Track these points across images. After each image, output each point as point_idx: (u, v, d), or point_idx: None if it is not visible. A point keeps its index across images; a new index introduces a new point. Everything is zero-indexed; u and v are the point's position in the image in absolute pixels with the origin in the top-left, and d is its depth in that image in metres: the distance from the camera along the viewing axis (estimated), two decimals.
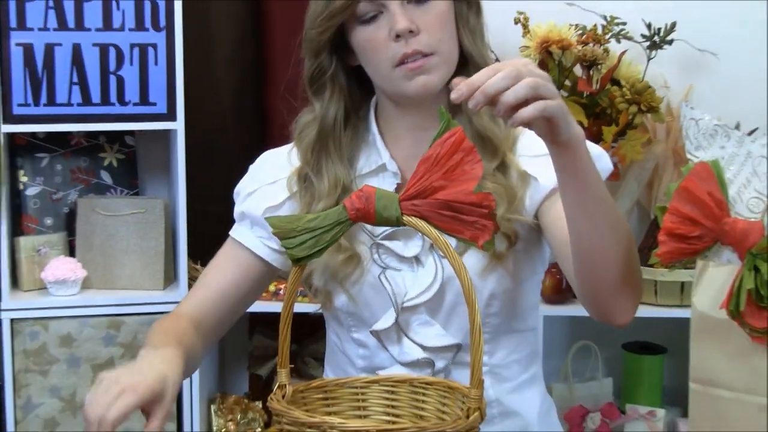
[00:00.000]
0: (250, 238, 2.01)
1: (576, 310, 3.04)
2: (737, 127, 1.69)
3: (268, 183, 2.01)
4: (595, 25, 3.10)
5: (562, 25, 3.08)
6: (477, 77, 1.53)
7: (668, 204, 1.61)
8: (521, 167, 1.93)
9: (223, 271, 2.02)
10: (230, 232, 2.03)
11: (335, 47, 1.97)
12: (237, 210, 2.03)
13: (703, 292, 1.64)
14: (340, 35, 1.96)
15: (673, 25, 3.10)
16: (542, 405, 2.10)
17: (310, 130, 2.01)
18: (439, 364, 1.96)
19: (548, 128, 1.57)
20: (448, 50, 1.92)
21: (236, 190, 2.09)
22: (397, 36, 1.88)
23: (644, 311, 3.04)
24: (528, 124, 1.56)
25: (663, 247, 1.63)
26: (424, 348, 1.96)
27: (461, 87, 1.54)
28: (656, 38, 3.11)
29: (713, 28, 3.20)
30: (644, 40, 3.12)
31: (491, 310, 1.96)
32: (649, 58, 3.13)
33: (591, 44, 3.06)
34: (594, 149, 1.83)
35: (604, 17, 3.11)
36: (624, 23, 3.10)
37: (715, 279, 1.63)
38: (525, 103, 1.53)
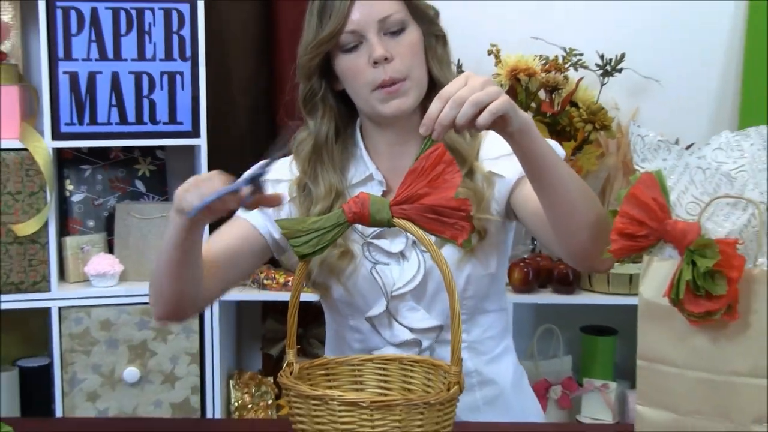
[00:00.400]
0: (258, 219, 1.99)
1: (540, 298, 3.06)
2: (677, 142, 1.70)
3: (273, 181, 2.00)
4: (556, 56, 3.11)
5: (529, 56, 3.09)
6: (432, 110, 1.58)
7: (619, 208, 1.63)
8: (485, 170, 1.96)
9: (227, 239, 1.98)
10: (237, 213, 1.99)
11: (323, 73, 1.99)
12: None
13: (649, 282, 1.65)
14: (327, 62, 1.97)
15: (622, 56, 3.12)
16: (515, 373, 2.13)
17: (305, 145, 2.02)
18: (425, 343, 1.98)
19: (502, 123, 1.61)
20: (418, 76, 1.94)
21: None
22: (375, 62, 1.90)
23: (598, 299, 3.06)
24: (495, 123, 1.60)
25: (614, 245, 1.64)
26: (411, 330, 1.98)
27: (424, 122, 1.59)
28: (608, 67, 3.13)
29: (656, 58, 3.21)
30: (598, 68, 3.13)
31: (467, 294, 1.99)
32: (602, 84, 3.15)
33: (553, 72, 3.07)
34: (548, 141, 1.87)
35: (564, 49, 3.12)
36: (581, 54, 3.11)
37: (658, 272, 1.64)
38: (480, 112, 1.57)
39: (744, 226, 1.61)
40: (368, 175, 1.99)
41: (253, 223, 1.98)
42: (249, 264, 2.02)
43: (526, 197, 1.90)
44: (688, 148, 1.70)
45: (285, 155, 1.70)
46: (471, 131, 1.67)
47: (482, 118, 1.58)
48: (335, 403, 1.51)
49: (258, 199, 1.65)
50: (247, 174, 1.67)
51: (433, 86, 1.95)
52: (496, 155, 1.97)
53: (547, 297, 3.07)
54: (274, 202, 1.70)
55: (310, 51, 1.96)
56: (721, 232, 1.60)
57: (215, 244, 1.99)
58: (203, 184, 1.65)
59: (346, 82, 1.96)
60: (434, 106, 1.60)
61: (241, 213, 2.00)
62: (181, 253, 1.76)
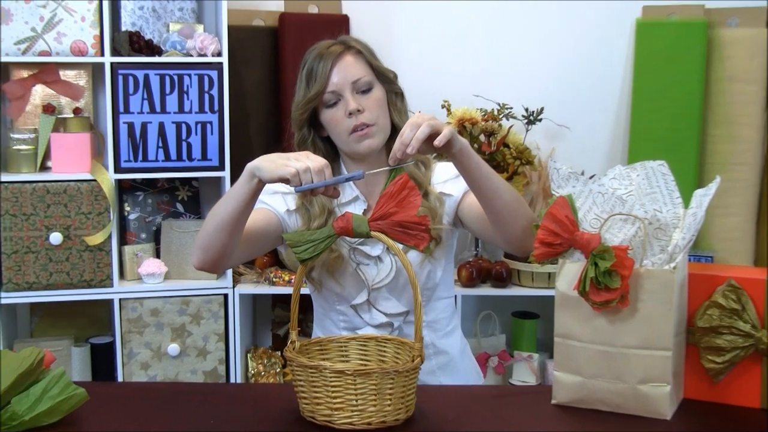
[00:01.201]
0: (279, 208, 1.98)
1: (481, 291, 3.06)
2: (583, 173, 1.69)
3: (284, 192, 2.00)
4: (492, 109, 3.11)
5: (472, 109, 3.09)
6: (399, 139, 1.68)
7: (540, 223, 1.62)
8: (437, 192, 1.99)
9: (256, 219, 1.93)
10: (260, 198, 1.88)
11: (312, 123, 2.01)
12: (265, 191, 1.90)
13: (563, 279, 1.65)
14: (314, 115, 1.99)
15: (542, 109, 3.13)
16: (461, 345, 2.16)
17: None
18: (396, 323, 2.00)
19: (448, 145, 1.70)
20: (383, 123, 1.98)
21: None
22: (350, 114, 1.93)
23: (525, 291, 3.06)
24: (443, 146, 1.69)
25: (537, 251, 1.64)
26: (386, 315, 1.99)
27: (395, 150, 1.69)
28: (531, 117, 3.13)
29: (566, 110, 3.22)
30: (524, 118, 3.14)
31: (427, 286, 2.01)
32: (527, 130, 3.15)
33: (490, 121, 3.07)
34: None
35: (498, 104, 3.12)
36: (511, 107, 3.11)
37: (570, 271, 1.64)
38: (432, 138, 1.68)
39: (632, 236, 1.61)
40: (355, 196, 2.00)
41: (274, 211, 1.98)
42: (268, 243, 2.00)
43: (470, 207, 1.95)
44: (591, 178, 1.70)
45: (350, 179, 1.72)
46: (429, 153, 1.78)
47: (438, 141, 1.67)
48: (327, 371, 1.53)
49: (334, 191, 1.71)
50: (345, 176, 1.70)
51: (395, 130, 1.98)
52: (444, 179, 2.01)
53: (486, 290, 3.06)
54: (336, 195, 1.73)
55: (301, 107, 1.98)
56: (616, 241, 1.60)
57: (248, 222, 1.95)
58: (316, 166, 1.66)
59: (330, 130, 1.98)
60: (398, 140, 1.69)
61: (266, 200, 1.97)
62: (242, 210, 1.75)
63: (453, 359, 2.11)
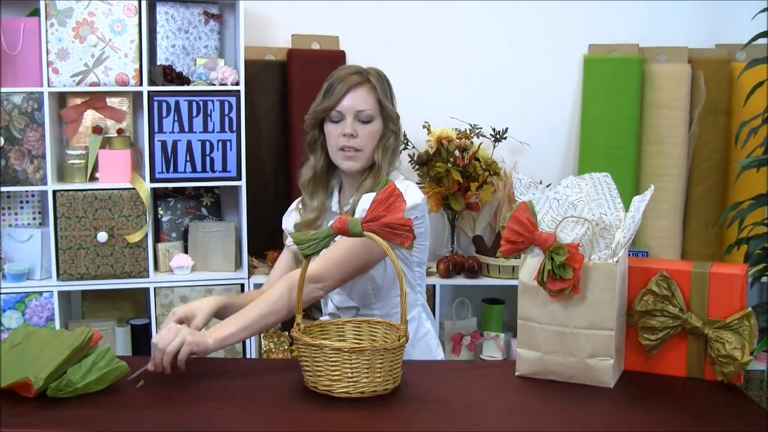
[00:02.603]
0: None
1: (456, 281, 3.04)
2: (541, 182, 1.68)
3: (288, 213, 2.03)
4: (465, 129, 3.10)
5: (448, 128, 3.08)
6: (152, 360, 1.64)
7: (506, 224, 1.61)
8: None
9: (285, 264, 2.01)
10: (286, 245, 2.01)
11: (321, 127, 1.99)
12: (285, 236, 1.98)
13: (525, 271, 1.64)
14: (323, 122, 1.98)
15: (506, 129, 3.12)
16: (414, 336, 2.03)
17: (307, 172, 2.02)
18: (344, 317, 1.95)
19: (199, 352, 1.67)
20: (368, 152, 1.95)
21: (283, 227, 2.09)
22: (344, 134, 1.91)
23: (493, 281, 3.05)
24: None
25: (503, 248, 1.63)
26: (337, 307, 2.00)
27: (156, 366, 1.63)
28: (498, 135, 3.12)
29: (527, 129, 3.21)
30: (491, 137, 3.13)
31: (383, 284, 1.97)
32: (494, 146, 3.14)
33: (463, 139, 3.06)
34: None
35: (470, 125, 3.11)
36: (481, 128, 3.10)
37: (530, 264, 1.63)
38: None
39: (582, 235, 1.60)
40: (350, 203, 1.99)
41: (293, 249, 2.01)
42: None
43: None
44: (548, 186, 1.69)
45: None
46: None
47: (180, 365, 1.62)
48: (327, 348, 1.52)
49: None
50: None
51: (374, 164, 1.95)
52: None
53: (460, 280, 3.05)
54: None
55: (313, 113, 1.97)
56: (569, 239, 1.60)
57: (278, 270, 2.03)
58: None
59: (327, 138, 1.98)
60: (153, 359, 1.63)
61: (288, 244, 2.01)
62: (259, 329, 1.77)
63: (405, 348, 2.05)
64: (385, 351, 1.51)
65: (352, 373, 1.50)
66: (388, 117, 1.96)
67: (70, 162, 2.86)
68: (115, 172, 2.84)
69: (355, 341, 1.72)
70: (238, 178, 2.88)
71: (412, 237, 1.57)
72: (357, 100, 1.93)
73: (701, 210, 3.15)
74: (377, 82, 1.96)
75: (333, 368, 1.51)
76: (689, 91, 3.11)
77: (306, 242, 1.57)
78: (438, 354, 2.08)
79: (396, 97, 2.04)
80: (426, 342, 2.06)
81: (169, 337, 1.60)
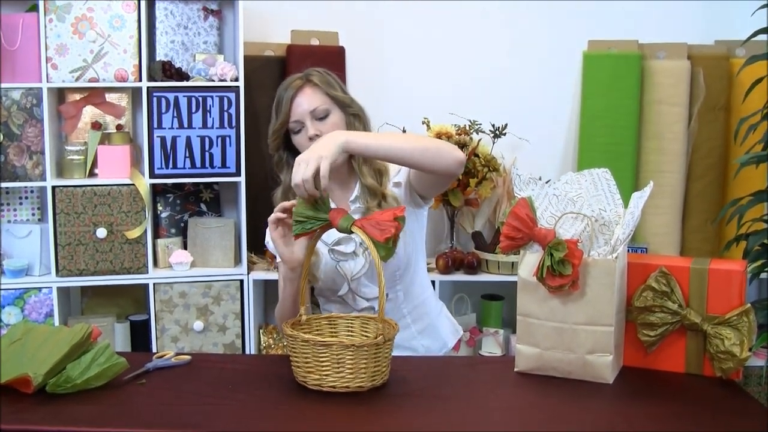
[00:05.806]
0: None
1: (456, 277, 3.05)
2: (540, 179, 1.68)
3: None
4: (465, 125, 3.10)
5: (448, 124, 3.07)
6: (293, 180, 1.61)
7: (505, 220, 1.61)
8: (391, 191, 1.95)
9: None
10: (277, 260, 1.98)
11: (286, 146, 1.98)
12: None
13: (524, 267, 1.64)
14: (288, 140, 1.97)
15: (506, 125, 3.11)
16: (437, 308, 2.15)
17: (278, 191, 2.01)
18: (376, 306, 1.96)
19: (337, 161, 1.70)
20: None
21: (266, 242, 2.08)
22: (310, 138, 1.89)
23: (492, 277, 3.05)
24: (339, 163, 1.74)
25: (502, 244, 1.63)
26: (367, 299, 1.97)
27: (300, 193, 1.61)
28: (497, 132, 3.12)
29: (526, 125, 3.20)
30: (491, 133, 3.12)
31: (404, 261, 1.98)
32: (494, 143, 3.13)
33: (463, 135, 3.06)
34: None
35: (469, 121, 3.11)
36: (480, 124, 3.10)
37: (530, 260, 1.63)
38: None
39: (581, 231, 1.60)
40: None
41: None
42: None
43: (413, 178, 1.92)
44: (547, 182, 1.69)
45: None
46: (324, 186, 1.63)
47: (323, 169, 1.59)
48: (318, 344, 1.53)
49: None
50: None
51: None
52: (391, 180, 1.97)
53: (460, 276, 3.05)
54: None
55: (274, 133, 1.98)
56: (568, 235, 1.60)
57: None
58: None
59: (300, 152, 1.93)
60: (292, 180, 1.61)
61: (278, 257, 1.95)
62: (293, 286, 1.79)
63: (431, 323, 2.07)
64: (368, 347, 1.52)
65: (338, 368, 1.52)
66: (343, 104, 1.95)
67: (69, 158, 2.86)
68: (115, 168, 2.84)
69: (347, 335, 1.74)
70: (238, 174, 2.87)
71: (392, 231, 1.55)
72: (306, 101, 1.92)
73: (700, 206, 3.15)
74: (318, 78, 1.95)
75: (323, 363, 1.52)
76: (688, 87, 3.11)
77: (299, 219, 1.59)
78: (459, 331, 2.18)
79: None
80: (449, 318, 2.17)
81: (300, 170, 1.59)
